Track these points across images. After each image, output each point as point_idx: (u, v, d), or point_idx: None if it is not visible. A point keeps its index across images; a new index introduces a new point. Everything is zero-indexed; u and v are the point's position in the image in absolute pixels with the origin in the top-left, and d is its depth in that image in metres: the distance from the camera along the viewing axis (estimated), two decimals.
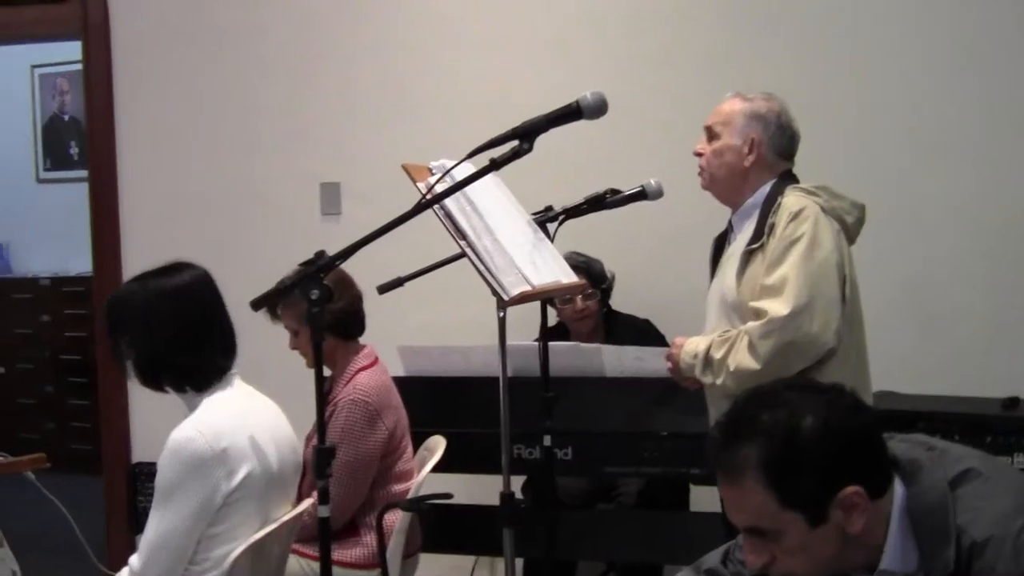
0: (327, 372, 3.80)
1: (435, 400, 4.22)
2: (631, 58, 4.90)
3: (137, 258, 5.51)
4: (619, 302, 4.75)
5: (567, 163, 4.55)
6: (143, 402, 5.50)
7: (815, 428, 1.93)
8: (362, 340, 3.85)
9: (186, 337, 2.85)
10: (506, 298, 2.72)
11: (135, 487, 5.30)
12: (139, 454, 5.52)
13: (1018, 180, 4.49)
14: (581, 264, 4.48)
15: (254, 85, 5.43)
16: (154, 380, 2.87)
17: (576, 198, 3.54)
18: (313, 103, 5.33)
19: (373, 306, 3.82)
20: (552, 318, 4.66)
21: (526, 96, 4.78)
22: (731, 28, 4.80)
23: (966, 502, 1.94)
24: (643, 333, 4.52)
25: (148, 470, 5.36)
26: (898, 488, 1.99)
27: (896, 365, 4.06)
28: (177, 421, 2.83)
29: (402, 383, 3.97)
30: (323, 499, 2.66)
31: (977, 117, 4.53)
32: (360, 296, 3.78)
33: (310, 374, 3.74)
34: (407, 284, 3.53)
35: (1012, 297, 4.48)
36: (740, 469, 1.95)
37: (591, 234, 4.18)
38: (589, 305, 4.58)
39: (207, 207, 5.51)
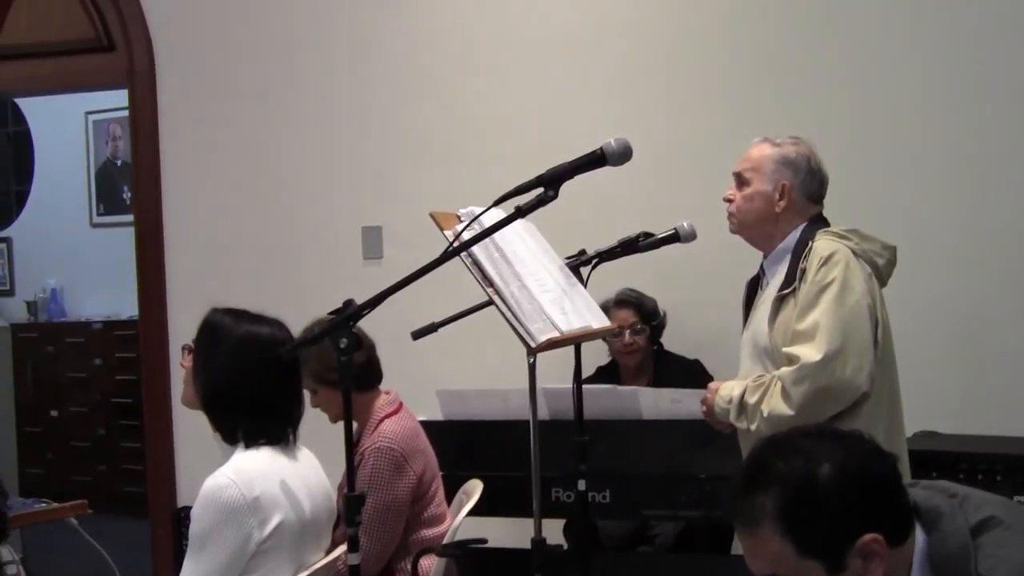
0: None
1: (473, 443, 4.23)
2: (668, 101, 4.93)
3: (182, 302, 5.59)
4: (667, 341, 4.79)
5: (602, 206, 4.56)
6: (189, 446, 5.56)
7: (832, 475, 1.90)
8: (397, 384, 3.85)
9: (259, 391, 2.87)
10: (533, 345, 2.73)
11: (181, 531, 5.33)
12: (185, 498, 5.54)
13: None
14: (632, 299, 4.63)
15: (297, 130, 5.50)
16: (214, 415, 2.90)
17: (610, 241, 3.55)
18: (355, 146, 5.39)
19: (409, 350, 3.82)
20: (604, 355, 4.71)
21: (568, 141, 4.82)
22: (761, 70, 4.82)
23: (986, 550, 1.91)
24: (692, 373, 4.53)
25: None
26: (919, 536, 1.97)
27: (941, 406, 4.03)
28: (200, 463, 2.87)
29: (439, 426, 3.97)
30: (353, 547, 2.67)
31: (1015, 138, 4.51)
32: (373, 345, 3.77)
33: (332, 426, 3.80)
34: (442, 328, 3.54)
35: None
36: (757, 519, 1.93)
37: (635, 273, 4.19)
38: (637, 340, 4.64)
39: (250, 251, 5.58)
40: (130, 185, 8.55)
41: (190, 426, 5.24)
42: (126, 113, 6.14)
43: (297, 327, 3.15)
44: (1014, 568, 1.88)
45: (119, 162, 8.89)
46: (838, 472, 1.90)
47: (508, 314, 2.75)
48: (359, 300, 3.77)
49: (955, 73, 4.58)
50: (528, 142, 4.99)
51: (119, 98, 6.58)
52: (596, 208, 4.51)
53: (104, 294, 8.70)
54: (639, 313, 4.64)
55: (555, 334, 2.80)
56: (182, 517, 5.39)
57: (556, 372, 3.84)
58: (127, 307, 7.96)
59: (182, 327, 5.39)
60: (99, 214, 9.04)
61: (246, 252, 5.58)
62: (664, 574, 4.20)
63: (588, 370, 4.54)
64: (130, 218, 6.90)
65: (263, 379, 2.89)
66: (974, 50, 4.56)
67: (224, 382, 2.88)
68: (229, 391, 2.88)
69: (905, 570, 1.95)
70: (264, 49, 5.56)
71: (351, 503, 2.65)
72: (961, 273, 4.53)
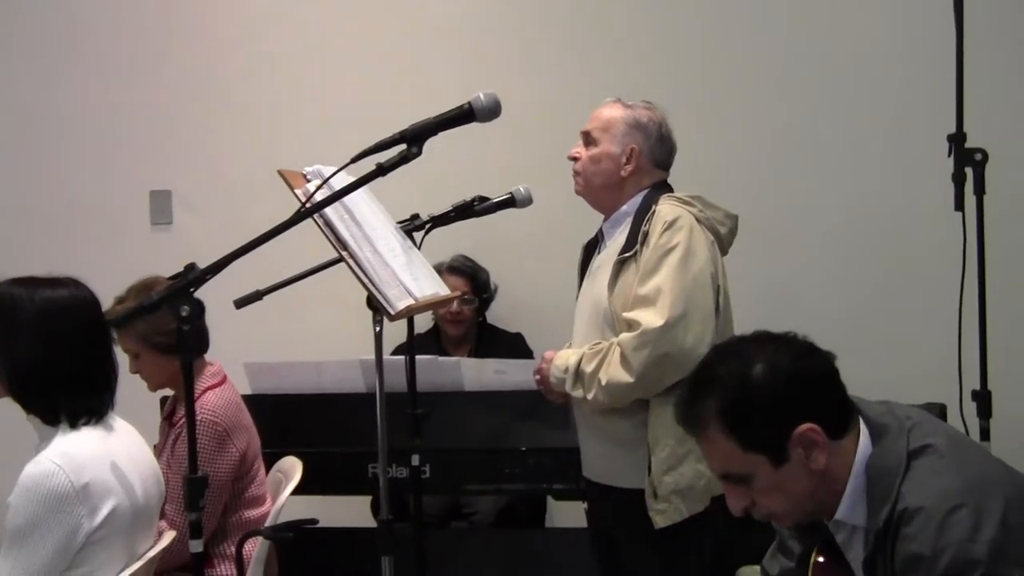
0: (170, 393, 3.58)
1: (284, 418, 4.01)
2: (494, 61, 4.79)
3: None
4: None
5: (433, 169, 4.37)
6: None
7: (764, 372, 2.07)
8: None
9: (74, 361, 2.59)
10: (392, 312, 2.58)
11: None
12: None
13: (877, 191, 4.59)
14: (467, 269, 4.55)
15: (76, 86, 5.10)
16: (27, 398, 2.60)
17: (443, 206, 3.41)
18: (141, 106, 5.04)
19: (213, 321, 3.58)
20: (428, 320, 4.57)
21: (375, 101, 4.65)
22: (597, 30, 4.76)
23: (916, 473, 2.03)
24: (513, 347, 4.48)
25: None
26: (867, 445, 2.10)
27: None
28: (6, 448, 2.58)
29: (248, 400, 3.74)
30: (195, 533, 2.45)
31: (841, 123, 4.62)
32: (204, 309, 3.54)
33: (144, 395, 3.54)
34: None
35: (870, 305, 4.58)
36: (703, 422, 2.10)
37: (458, 243, 4.06)
38: (464, 310, 4.55)
39: (22, 217, 5.13)
40: None
41: None
42: None
43: None
44: (931, 493, 1.99)
45: None
46: (769, 369, 2.07)
47: (365, 279, 2.59)
48: (148, 268, 3.57)
49: (777, 57, 4.66)
50: (332, 105, 4.81)
51: None
52: (427, 171, 4.32)
53: None
54: (471, 283, 4.56)
55: (411, 301, 2.66)
56: None
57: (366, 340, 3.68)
58: None
59: None
60: None
61: (16, 218, 5.13)
62: (485, 549, 4.09)
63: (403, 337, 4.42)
64: None
65: (75, 346, 2.61)
66: (794, 34, 4.66)
67: (31, 359, 2.58)
68: (39, 368, 2.58)
69: (847, 471, 2.09)
70: None
71: (194, 485, 2.44)
72: (773, 247, 4.59)
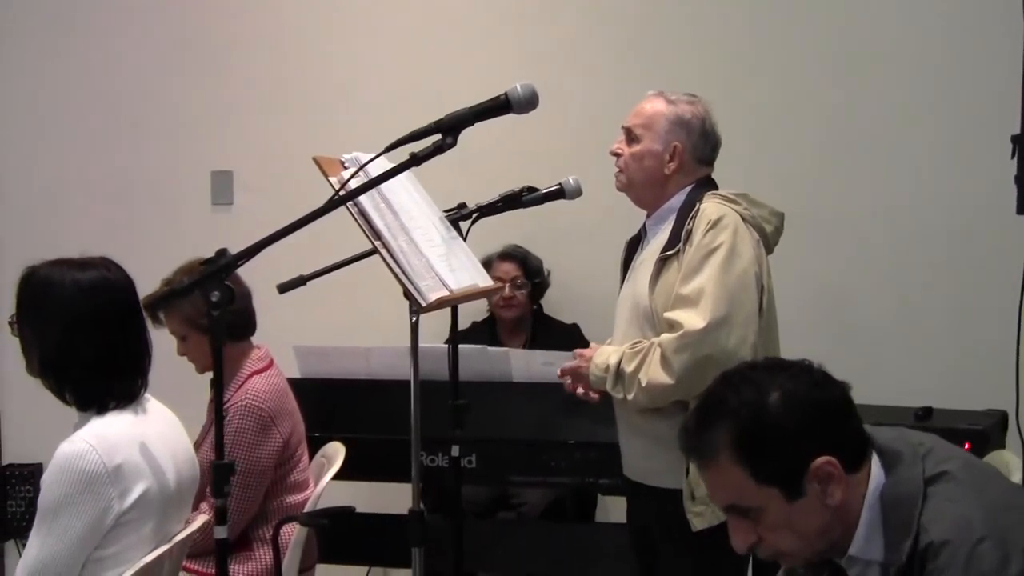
0: None
1: (331, 403, 4.03)
2: (547, 49, 4.76)
3: (13, 254, 5.19)
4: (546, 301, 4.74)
5: (482, 159, 4.36)
6: (15, 400, 5.18)
7: (780, 402, 1.97)
8: (255, 340, 3.63)
9: (101, 344, 2.58)
10: (423, 303, 2.55)
11: (5, 490, 5.01)
12: (11, 454, 5.19)
13: (935, 189, 4.48)
14: (518, 254, 4.55)
15: (141, 67, 5.17)
16: (55, 382, 2.60)
17: (491, 195, 3.37)
18: (205, 87, 5.10)
19: (267, 305, 3.59)
20: (483, 310, 4.56)
21: (432, 88, 4.64)
22: (650, 22, 4.71)
23: (934, 502, 1.95)
24: (569, 338, 4.39)
25: (21, 472, 5.08)
26: (879, 475, 2.01)
27: None
28: (55, 420, 2.63)
29: (296, 384, 3.77)
30: (221, 519, 2.45)
31: (895, 125, 4.51)
32: (249, 294, 3.54)
33: (194, 376, 3.55)
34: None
35: (926, 305, 4.46)
36: (714, 451, 1.99)
37: (507, 232, 4.06)
38: (518, 295, 4.53)
39: (89, 198, 5.21)
40: None
41: (15, 375, 4.90)
42: None
43: (139, 275, 2.84)
44: (955, 524, 1.91)
45: None
46: (786, 399, 1.97)
47: (397, 270, 2.57)
48: (207, 248, 3.56)
49: (832, 46, 4.57)
50: (393, 91, 4.82)
51: None
52: (477, 160, 4.30)
53: None
54: (523, 268, 4.55)
55: (445, 292, 2.63)
56: (8, 475, 5.07)
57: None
58: None
59: (12, 274, 5.01)
60: None
61: (84, 199, 5.20)
62: (531, 541, 4.07)
63: (462, 323, 4.41)
64: None
65: (101, 329, 2.58)
66: (850, 24, 4.56)
67: (59, 342, 2.56)
68: (66, 351, 2.56)
69: (860, 502, 2.00)
70: None
71: (220, 471, 2.44)
72: (824, 241, 4.51)
